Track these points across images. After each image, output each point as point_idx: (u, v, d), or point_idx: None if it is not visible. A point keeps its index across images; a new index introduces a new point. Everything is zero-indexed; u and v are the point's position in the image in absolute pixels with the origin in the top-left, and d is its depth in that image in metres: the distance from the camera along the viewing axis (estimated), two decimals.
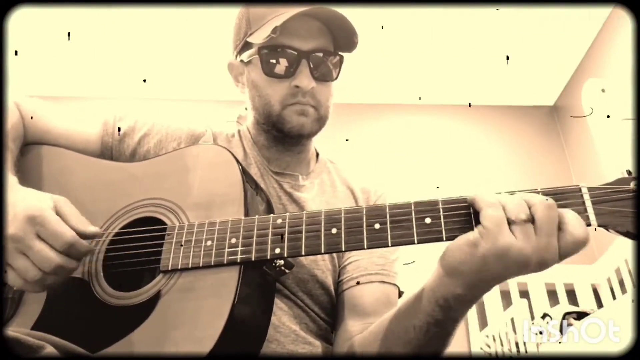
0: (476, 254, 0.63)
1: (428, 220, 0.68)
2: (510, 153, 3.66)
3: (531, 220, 0.62)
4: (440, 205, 0.68)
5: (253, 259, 0.74)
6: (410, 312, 0.74)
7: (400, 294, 0.98)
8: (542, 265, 0.62)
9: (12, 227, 0.73)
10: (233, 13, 1.08)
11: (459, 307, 0.69)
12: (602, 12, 3.18)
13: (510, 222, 0.62)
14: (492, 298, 2.81)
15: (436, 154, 3.60)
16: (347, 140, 3.15)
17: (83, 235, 0.77)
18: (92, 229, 0.78)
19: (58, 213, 0.76)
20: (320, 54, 0.97)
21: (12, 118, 0.94)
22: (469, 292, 0.67)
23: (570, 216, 0.63)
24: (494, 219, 0.62)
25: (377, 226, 0.70)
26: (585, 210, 0.64)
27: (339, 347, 0.91)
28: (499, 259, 0.62)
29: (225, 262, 0.74)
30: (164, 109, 3.61)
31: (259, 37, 0.95)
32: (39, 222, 0.73)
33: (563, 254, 0.62)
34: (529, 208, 0.63)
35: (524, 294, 2.75)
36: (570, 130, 3.67)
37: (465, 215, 0.67)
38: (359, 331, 0.88)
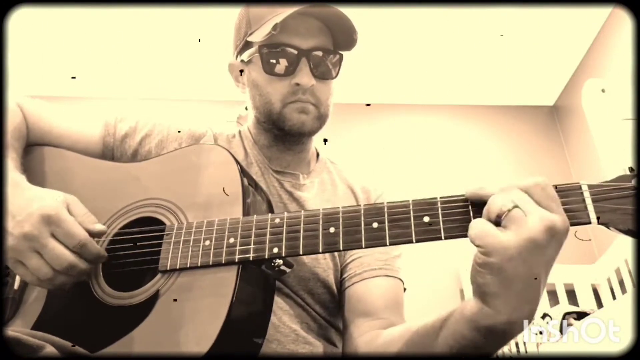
0: (493, 272, 0.58)
1: (426, 219, 0.67)
2: (510, 153, 3.66)
3: (513, 206, 0.59)
4: (439, 204, 0.67)
5: (251, 258, 0.73)
6: (446, 333, 0.69)
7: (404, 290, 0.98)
8: (566, 229, 0.59)
9: (27, 225, 0.74)
10: (233, 13, 1.08)
11: (504, 332, 0.62)
12: (602, 12, 3.19)
13: (499, 222, 0.60)
14: None
15: (436, 154, 3.60)
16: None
17: (90, 234, 0.78)
18: (98, 227, 0.80)
19: (70, 212, 0.78)
20: (320, 53, 0.98)
21: (15, 119, 0.94)
22: (513, 313, 0.60)
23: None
24: (480, 236, 0.59)
25: (375, 225, 0.69)
26: (586, 208, 0.63)
27: (352, 345, 0.89)
28: (513, 263, 0.57)
29: (223, 261, 0.74)
30: (164, 109, 3.62)
31: (259, 36, 0.96)
32: (54, 222, 0.75)
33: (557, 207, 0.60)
34: (515, 193, 0.60)
35: None
36: (570, 130, 3.67)
37: (464, 214, 0.66)
38: (370, 327, 0.88)
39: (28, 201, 0.77)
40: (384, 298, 0.92)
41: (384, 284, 0.94)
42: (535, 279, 0.59)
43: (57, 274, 0.74)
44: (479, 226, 0.60)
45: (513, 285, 0.58)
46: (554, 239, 0.58)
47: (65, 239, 0.75)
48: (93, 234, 0.79)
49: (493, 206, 0.61)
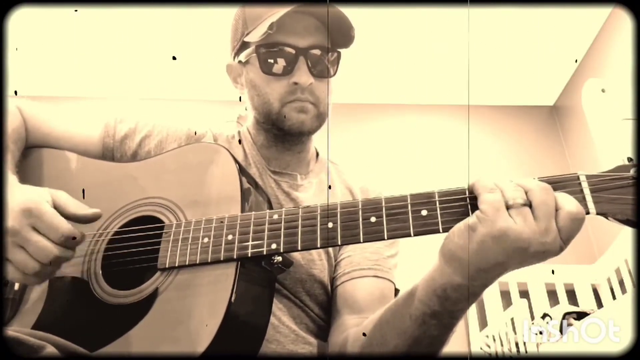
0: (474, 238, 0.62)
1: (424, 212, 0.67)
2: (510, 153, 3.66)
3: (528, 204, 0.61)
4: (437, 197, 0.68)
5: (249, 254, 0.74)
6: (407, 301, 0.73)
7: (397, 291, 0.98)
8: (544, 251, 0.61)
9: (10, 220, 0.73)
10: (233, 13, 1.08)
11: (457, 299, 0.67)
12: (602, 12, 3.19)
13: (508, 207, 0.61)
14: (492, 298, 2.81)
15: (436, 154, 3.60)
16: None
17: (85, 219, 0.78)
18: (91, 210, 0.79)
19: (55, 205, 0.77)
20: (318, 51, 0.98)
21: (14, 121, 0.94)
22: (468, 282, 0.65)
23: (561, 196, 0.62)
24: (492, 202, 0.62)
25: (373, 219, 0.69)
26: (584, 199, 0.63)
27: (333, 341, 0.90)
28: (497, 242, 0.61)
29: (222, 258, 0.74)
30: (164, 109, 3.62)
31: (255, 35, 0.96)
32: (35, 215, 0.74)
33: (564, 236, 0.61)
34: (526, 193, 0.62)
35: (524, 294, 2.75)
36: (570, 130, 3.67)
37: (462, 207, 0.66)
38: (353, 325, 0.88)
39: (11, 197, 0.76)
40: (370, 298, 0.92)
41: (371, 284, 0.94)
42: (503, 269, 0.63)
43: (43, 266, 0.73)
44: (497, 197, 0.62)
45: (480, 261, 0.62)
46: (544, 255, 0.61)
47: (47, 231, 0.74)
48: (88, 219, 0.79)
49: (509, 192, 0.62)
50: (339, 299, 0.94)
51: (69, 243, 0.75)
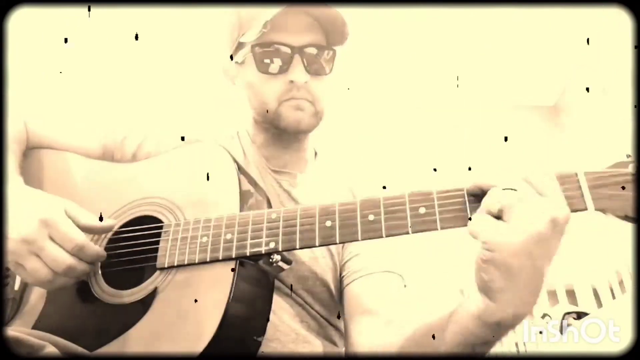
0: (498, 268, 0.58)
1: (422, 210, 0.67)
2: (510, 153, 3.66)
3: (515, 198, 0.59)
4: (435, 195, 0.68)
5: (248, 253, 0.74)
6: (454, 329, 0.68)
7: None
8: (567, 216, 0.58)
9: (26, 229, 0.74)
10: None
11: (512, 325, 0.62)
12: (602, 12, 3.19)
13: (500, 215, 0.59)
14: None
15: (436, 154, 3.60)
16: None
17: (98, 230, 0.80)
18: (104, 222, 0.81)
19: (69, 216, 0.78)
20: (313, 49, 0.98)
21: (13, 123, 0.95)
22: (520, 307, 0.59)
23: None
24: (482, 232, 0.59)
25: (371, 217, 0.69)
26: (582, 195, 0.62)
27: (353, 343, 0.89)
28: (518, 258, 0.57)
29: (220, 257, 0.74)
30: (163, 110, 3.61)
31: (251, 36, 0.96)
32: (51, 225, 0.75)
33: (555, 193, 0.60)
34: (517, 185, 0.60)
35: None
36: (570, 130, 3.67)
37: (460, 204, 0.66)
38: (370, 324, 0.88)
39: (26, 205, 0.77)
40: (384, 294, 0.92)
41: (383, 280, 0.94)
42: (540, 270, 0.58)
43: (56, 275, 0.75)
44: (480, 222, 0.60)
45: (518, 279, 0.58)
46: (556, 229, 0.58)
47: (62, 241, 0.75)
48: (102, 230, 0.80)
49: (494, 198, 0.60)
50: (351, 297, 0.94)
51: (83, 254, 0.76)
